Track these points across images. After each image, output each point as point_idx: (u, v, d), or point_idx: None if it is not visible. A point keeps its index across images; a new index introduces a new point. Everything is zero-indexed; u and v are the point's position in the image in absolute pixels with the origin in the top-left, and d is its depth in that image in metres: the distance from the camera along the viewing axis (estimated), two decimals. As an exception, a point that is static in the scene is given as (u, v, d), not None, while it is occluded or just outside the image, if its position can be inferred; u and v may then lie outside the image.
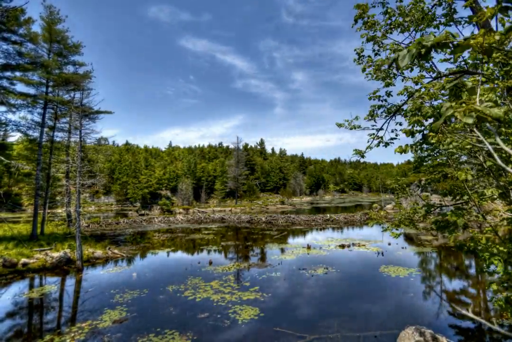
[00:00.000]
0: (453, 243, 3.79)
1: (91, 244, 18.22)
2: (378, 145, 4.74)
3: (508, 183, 3.25)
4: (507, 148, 1.71)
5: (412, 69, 4.39)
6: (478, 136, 2.59)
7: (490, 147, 1.80)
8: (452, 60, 4.42)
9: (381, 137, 4.67)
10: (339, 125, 4.90)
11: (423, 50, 1.46)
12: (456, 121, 3.13)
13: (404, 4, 4.77)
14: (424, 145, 4.41)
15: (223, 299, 9.68)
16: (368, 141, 4.78)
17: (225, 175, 72.77)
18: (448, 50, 1.64)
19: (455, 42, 1.48)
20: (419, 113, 3.34)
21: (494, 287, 3.61)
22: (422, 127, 3.33)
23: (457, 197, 4.11)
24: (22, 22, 17.13)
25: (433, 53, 4.41)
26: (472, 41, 1.50)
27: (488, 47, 1.49)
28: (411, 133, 3.39)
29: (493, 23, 3.77)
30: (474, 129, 2.12)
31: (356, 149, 4.74)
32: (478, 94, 1.66)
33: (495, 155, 1.76)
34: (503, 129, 2.60)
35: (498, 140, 1.76)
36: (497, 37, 1.51)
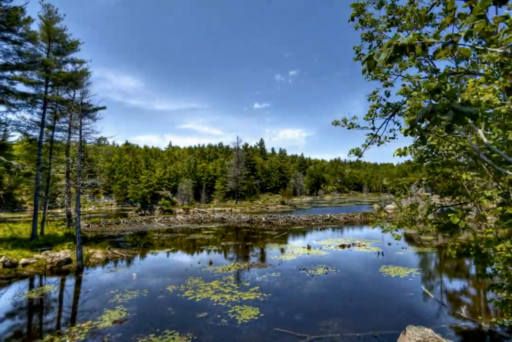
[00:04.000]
0: (449, 252, 3.66)
1: (91, 244, 18.22)
2: (374, 142, 4.72)
3: (508, 182, 3.24)
4: (500, 153, 1.70)
5: (405, 69, 4.39)
6: (468, 138, 2.58)
7: (481, 143, 1.79)
8: (452, 58, 4.41)
9: (379, 137, 4.66)
10: (336, 123, 4.88)
11: (393, 54, 1.46)
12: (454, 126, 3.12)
13: (401, 3, 4.77)
14: (424, 147, 4.39)
15: (223, 299, 9.67)
16: (366, 141, 4.77)
17: (225, 175, 72.74)
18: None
19: (421, 43, 1.49)
20: (416, 113, 3.33)
21: (495, 288, 3.60)
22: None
23: (457, 197, 4.09)
24: (21, 21, 17.14)
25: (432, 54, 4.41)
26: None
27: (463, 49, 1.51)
28: (409, 133, 3.37)
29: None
30: (460, 127, 2.11)
31: (353, 149, 4.73)
32: (467, 92, 1.66)
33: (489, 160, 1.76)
34: (500, 130, 2.58)
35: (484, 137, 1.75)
36: (462, 34, 1.52)
